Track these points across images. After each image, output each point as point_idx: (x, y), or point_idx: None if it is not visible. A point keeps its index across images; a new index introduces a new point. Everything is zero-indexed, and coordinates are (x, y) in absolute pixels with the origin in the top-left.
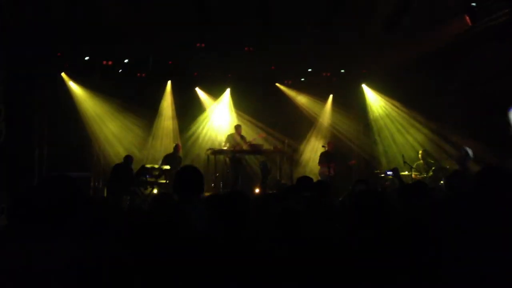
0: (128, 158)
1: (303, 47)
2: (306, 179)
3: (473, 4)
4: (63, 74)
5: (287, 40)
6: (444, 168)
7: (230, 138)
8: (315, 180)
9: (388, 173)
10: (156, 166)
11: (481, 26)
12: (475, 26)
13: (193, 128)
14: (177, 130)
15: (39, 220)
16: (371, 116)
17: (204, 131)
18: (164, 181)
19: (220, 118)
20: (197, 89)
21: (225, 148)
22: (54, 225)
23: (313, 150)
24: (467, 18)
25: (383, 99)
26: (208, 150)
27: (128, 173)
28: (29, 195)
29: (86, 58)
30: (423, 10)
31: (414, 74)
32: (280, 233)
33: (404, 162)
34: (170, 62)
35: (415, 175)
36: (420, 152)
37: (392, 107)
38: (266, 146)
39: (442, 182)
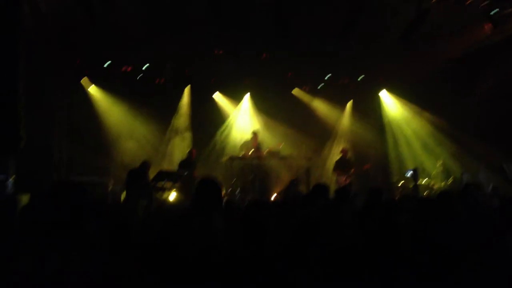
0: (145, 164)
1: (320, 53)
2: (321, 187)
3: (493, 13)
4: (84, 80)
5: (304, 47)
6: (462, 180)
7: (246, 144)
8: (331, 187)
9: (408, 173)
10: (173, 171)
11: (501, 34)
12: (494, 35)
13: (211, 134)
14: (194, 135)
15: (47, 231)
16: (387, 123)
17: (223, 136)
18: (180, 186)
19: (239, 123)
20: (215, 95)
21: (241, 154)
22: (61, 234)
23: (330, 156)
24: (487, 27)
25: (400, 106)
26: (225, 156)
27: (144, 178)
28: (36, 202)
29: (106, 64)
30: (442, 19)
31: (433, 82)
32: (297, 243)
33: (422, 171)
34: (186, 71)
35: (433, 184)
36: (440, 162)
37: (410, 114)
38: (284, 152)
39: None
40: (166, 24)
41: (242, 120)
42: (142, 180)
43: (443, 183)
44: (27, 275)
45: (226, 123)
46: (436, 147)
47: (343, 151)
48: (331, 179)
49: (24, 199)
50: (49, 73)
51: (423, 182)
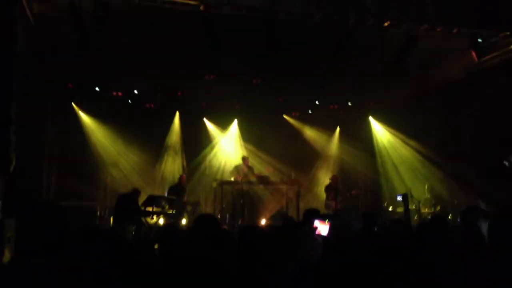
0: (135, 191)
1: (310, 79)
2: (313, 212)
3: (479, 40)
4: (73, 105)
5: (294, 72)
6: (452, 203)
7: (237, 169)
8: (321, 212)
9: (398, 198)
10: (162, 196)
11: (489, 61)
12: (482, 62)
13: (200, 159)
14: (184, 160)
15: (31, 252)
16: (376, 149)
17: (212, 162)
18: (170, 211)
19: (227, 149)
20: (205, 120)
21: (232, 179)
22: (45, 257)
23: (319, 182)
24: (473, 53)
25: (389, 132)
26: (214, 181)
27: (133, 203)
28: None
29: (96, 89)
30: (430, 46)
31: (422, 107)
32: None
33: (411, 197)
34: (179, 93)
35: (423, 209)
36: (426, 186)
37: (398, 140)
38: (274, 177)
39: (450, 217)
40: (157, 49)
41: (229, 145)
42: (131, 204)
43: (432, 209)
44: None
45: (212, 148)
46: (424, 174)
47: (333, 178)
48: (321, 204)
49: (11, 224)
50: (39, 97)
51: (413, 207)
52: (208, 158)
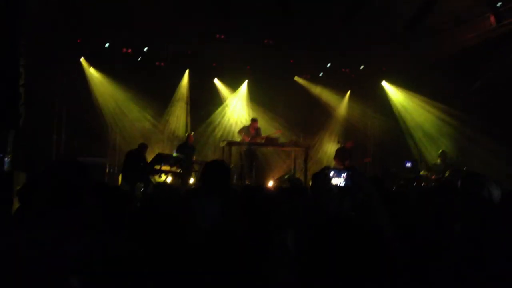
0: (143, 146)
1: (322, 41)
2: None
3: (499, 4)
4: (82, 60)
5: (307, 34)
6: (462, 170)
7: (244, 130)
8: None
9: (407, 164)
10: (172, 154)
11: (508, 26)
12: (500, 27)
13: (210, 119)
14: (192, 119)
15: (46, 206)
16: (391, 112)
17: (221, 122)
18: (178, 170)
19: (237, 110)
20: (216, 80)
21: (239, 140)
22: (60, 212)
23: (328, 145)
24: (492, 18)
25: (402, 95)
26: (223, 141)
27: (141, 160)
28: (36, 180)
29: (106, 45)
30: (447, 10)
31: (437, 73)
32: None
33: (421, 161)
34: (189, 52)
35: (431, 174)
36: (439, 152)
37: (413, 102)
38: (282, 139)
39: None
40: (167, 7)
41: (239, 106)
42: (139, 162)
43: (440, 175)
44: (25, 251)
45: (222, 108)
46: (438, 137)
47: (348, 142)
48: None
49: (21, 177)
50: (48, 52)
51: (421, 173)
52: (217, 118)
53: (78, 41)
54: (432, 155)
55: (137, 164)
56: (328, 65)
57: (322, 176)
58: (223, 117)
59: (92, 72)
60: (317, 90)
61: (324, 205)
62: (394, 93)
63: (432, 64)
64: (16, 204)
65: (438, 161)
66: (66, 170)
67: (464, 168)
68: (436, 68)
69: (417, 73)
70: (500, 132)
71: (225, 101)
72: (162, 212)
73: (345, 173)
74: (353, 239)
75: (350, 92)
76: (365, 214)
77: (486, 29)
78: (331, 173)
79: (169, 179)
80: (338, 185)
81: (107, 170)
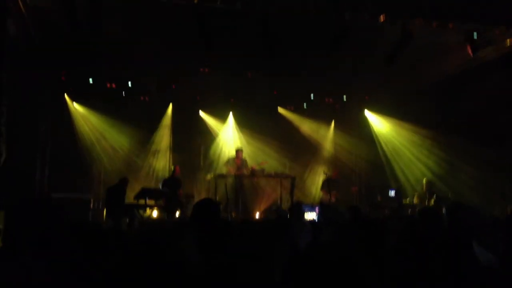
0: (123, 180)
1: (305, 73)
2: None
3: (475, 35)
4: (66, 96)
5: (289, 66)
6: (447, 198)
7: (230, 162)
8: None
9: (391, 193)
10: (156, 188)
11: (484, 57)
12: (477, 57)
13: (195, 151)
14: (177, 152)
15: (25, 247)
16: (375, 139)
17: (207, 154)
18: (163, 204)
19: (222, 141)
20: (201, 112)
21: (225, 172)
22: (38, 252)
23: (314, 175)
24: (469, 48)
25: (386, 122)
26: (209, 174)
27: (123, 194)
28: (12, 219)
29: (90, 80)
30: (424, 42)
31: (417, 103)
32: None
33: (403, 190)
34: (173, 86)
35: (416, 203)
36: (424, 181)
37: (395, 129)
38: (269, 169)
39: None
40: (152, 41)
41: (224, 138)
42: (121, 196)
43: (425, 203)
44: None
45: (208, 140)
46: (423, 163)
47: (334, 172)
48: (315, 197)
49: (0, 216)
50: (31, 89)
51: (407, 201)
52: (203, 150)
53: (63, 78)
54: (418, 181)
55: (120, 199)
56: (311, 96)
57: (296, 211)
58: (208, 149)
59: (76, 107)
60: (301, 121)
61: (298, 239)
62: (376, 121)
63: (414, 93)
64: None
65: (423, 189)
66: (36, 209)
67: (449, 195)
68: (418, 96)
69: (398, 101)
70: (484, 157)
71: (211, 132)
72: (149, 248)
73: (317, 208)
74: (324, 272)
75: (335, 122)
76: (337, 247)
77: (464, 59)
78: (305, 209)
79: (155, 213)
80: (312, 219)
81: (92, 205)
